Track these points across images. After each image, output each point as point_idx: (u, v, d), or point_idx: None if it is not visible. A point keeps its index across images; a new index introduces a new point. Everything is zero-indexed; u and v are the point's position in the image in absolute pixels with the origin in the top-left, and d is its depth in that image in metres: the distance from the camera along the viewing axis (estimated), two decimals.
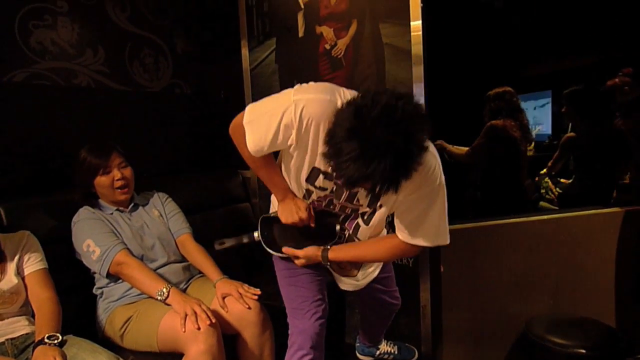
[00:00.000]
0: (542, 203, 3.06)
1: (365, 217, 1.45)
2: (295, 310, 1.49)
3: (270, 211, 1.59)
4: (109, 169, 1.65)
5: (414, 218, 1.28)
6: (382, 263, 1.61)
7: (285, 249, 1.48)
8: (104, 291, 1.64)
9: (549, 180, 3.07)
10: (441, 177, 1.22)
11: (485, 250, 2.17)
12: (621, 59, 3.90)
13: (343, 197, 1.38)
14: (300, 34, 2.22)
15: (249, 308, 1.55)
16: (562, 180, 3.04)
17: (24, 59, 1.80)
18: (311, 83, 1.22)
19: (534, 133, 4.85)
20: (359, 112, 0.95)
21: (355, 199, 1.37)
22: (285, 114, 1.16)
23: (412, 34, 1.94)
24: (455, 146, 3.01)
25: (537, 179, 3.11)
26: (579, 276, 2.21)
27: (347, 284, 1.57)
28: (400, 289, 1.81)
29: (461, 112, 3.37)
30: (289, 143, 1.22)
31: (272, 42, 2.34)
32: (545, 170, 3.10)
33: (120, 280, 1.62)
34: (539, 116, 5.09)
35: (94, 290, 1.66)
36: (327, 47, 2.14)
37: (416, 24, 1.93)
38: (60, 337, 1.30)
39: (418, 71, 1.96)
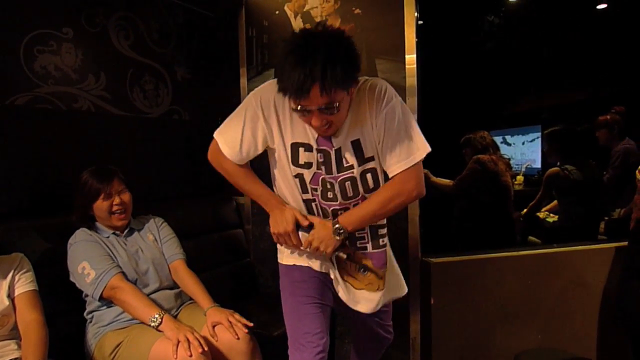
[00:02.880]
0: (530, 237, 3.11)
1: (367, 185, 1.41)
2: (297, 343, 1.47)
3: None
4: (110, 194, 1.67)
5: (394, 139, 1.33)
6: (382, 294, 1.53)
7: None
8: (94, 315, 1.63)
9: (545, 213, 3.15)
10: (396, 95, 1.34)
11: (475, 284, 2.20)
12: (609, 97, 4.05)
13: (333, 166, 1.36)
14: None
15: (238, 338, 1.55)
16: (551, 215, 3.10)
17: (28, 83, 1.83)
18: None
19: (523, 167, 4.96)
20: (292, 36, 1.18)
21: (344, 160, 1.36)
22: (248, 109, 1.34)
23: (406, 66, 2.02)
24: (439, 178, 3.09)
25: (522, 212, 3.17)
26: (568, 311, 2.23)
27: (363, 304, 1.50)
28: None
29: (452, 145, 3.45)
30: (259, 132, 1.34)
31: (270, 72, 2.41)
32: (528, 208, 3.16)
33: (112, 305, 1.61)
34: (528, 152, 5.19)
35: (84, 314, 1.65)
36: None
37: (411, 57, 2.01)
38: None
39: (412, 103, 2.03)
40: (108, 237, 1.70)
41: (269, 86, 1.34)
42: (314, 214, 1.45)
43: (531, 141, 5.14)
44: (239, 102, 2.45)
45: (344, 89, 1.18)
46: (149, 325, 1.53)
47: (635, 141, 3.00)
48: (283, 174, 1.42)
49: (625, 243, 2.07)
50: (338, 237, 1.35)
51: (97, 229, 1.70)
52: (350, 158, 1.36)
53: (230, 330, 1.55)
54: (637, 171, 1.97)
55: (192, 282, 1.76)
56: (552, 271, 2.21)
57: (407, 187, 1.36)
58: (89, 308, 1.64)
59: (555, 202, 3.10)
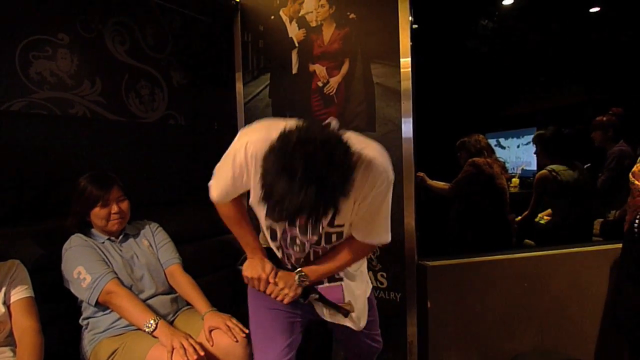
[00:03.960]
0: (526, 240, 3.12)
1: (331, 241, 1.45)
2: (258, 347, 1.49)
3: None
4: (108, 202, 1.66)
5: (369, 217, 1.33)
6: (365, 307, 1.60)
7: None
8: (90, 322, 1.62)
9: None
10: (392, 173, 1.28)
11: (472, 286, 2.20)
12: (604, 100, 4.07)
13: (308, 233, 1.38)
14: (294, 71, 2.30)
15: (236, 341, 1.55)
16: (545, 217, 3.12)
17: (23, 89, 1.82)
18: (254, 123, 1.31)
19: (518, 170, 4.98)
20: (277, 152, 1.01)
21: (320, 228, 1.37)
22: (237, 156, 1.25)
23: (401, 70, 2.02)
24: (435, 181, 3.10)
25: (518, 219, 3.18)
26: (565, 313, 2.24)
27: (347, 320, 1.54)
28: (387, 324, 1.82)
29: (447, 148, 3.47)
30: (244, 181, 1.29)
31: (266, 77, 2.42)
32: (522, 216, 3.17)
33: (108, 311, 1.61)
34: (523, 155, 5.22)
35: (80, 321, 1.64)
36: (320, 84, 2.21)
37: (405, 61, 2.02)
38: None
39: (407, 106, 2.04)
40: (103, 242, 1.69)
41: (258, 141, 1.21)
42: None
43: (526, 144, 5.16)
44: (234, 107, 2.50)
45: None
46: (144, 331, 1.52)
47: (630, 144, 3.01)
48: (257, 212, 1.41)
49: (620, 245, 2.08)
50: (300, 284, 1.42)
51: (92, 235, 1.70)
52: (324, 222, 1.36)
53: (228, 334, 1.55)
54: (630, 174, 1.99)
55: (189, 287, 1.76)
56: (549, 273, 2.22)
57: (367, 251, 1.50)
58: (84, 314, 1.63)
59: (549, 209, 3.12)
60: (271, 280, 1.41)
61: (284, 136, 1.03)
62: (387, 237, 1.39)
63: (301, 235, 1.37)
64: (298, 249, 1.42)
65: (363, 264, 1.61)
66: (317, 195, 0.97)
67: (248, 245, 1.48)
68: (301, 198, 0.97)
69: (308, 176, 0.96)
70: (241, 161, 1.25)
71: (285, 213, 1.00)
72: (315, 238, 1.38)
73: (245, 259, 1.52)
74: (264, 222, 1.42)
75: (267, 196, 1.02)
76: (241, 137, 1.27)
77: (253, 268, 1.43)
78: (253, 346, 1.52)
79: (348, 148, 1.05)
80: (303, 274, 1.42)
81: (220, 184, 1.35)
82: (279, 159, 1.00)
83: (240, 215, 1.46)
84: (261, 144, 1.18)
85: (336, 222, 1.36)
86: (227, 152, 1.31)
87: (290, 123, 1.10)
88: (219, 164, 1.35)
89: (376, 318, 1.73)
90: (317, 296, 1.47)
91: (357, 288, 1.56)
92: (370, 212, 1.31)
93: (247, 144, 1.23)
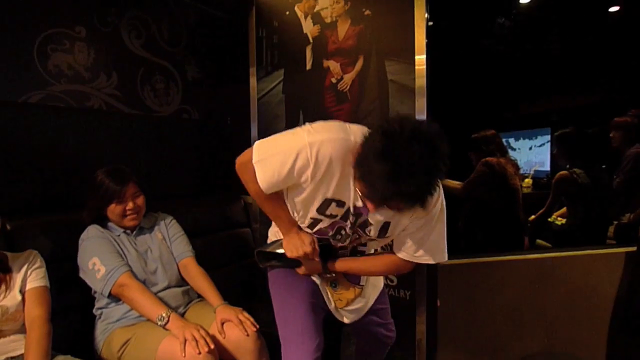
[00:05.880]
0: (538, 241, 3.10)
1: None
2: (290, 344, 1.48)
3: (269, 241, 1.60)
4: (124, 198, 1.67)
5: (418, 239, 1.33)
6: (377, 291, 1.65)
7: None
8: (103, 312, 1.65)
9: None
10: (444, 202, 1.31)
11: (482, 286, 2.19)
12: (621, 100, 4.01)
13: (357, 226, 1.38)
14: (308, 67, 2.29)
15: (247, 335, 1.56)
16: (559, 219, 3.09)
17: (41, 81, 1.86)
18: (321, 122, 1.26)
19: (532, 170, 4.93)
20: (389, 135, 1.02)
21: (367, 230, 1.38)
22: (299, 156, 1.19)
23: (416, 67, 2.01)
24: (448, 180, 3.07)
25: (532, 218, 3.15)
26: (575, 316, 2.22)
27: (347, 317, 1.59)
28: (396, 321, 1.82)
29: (461, 146, 3.44)
30: (301, 181, 1.24)
31: (280, 73, 2.42)
32: (537, 215, 3.14)
33: (121, 302, 1.63)
34: (537, 155, 5.15)
35: (93, 311, 1.67)
36: (334, 80, 2.21)
37: (420, 58, 2.00)
38: None
39: (421, 104, 2.02)
40: (119, 235, 1.71)
41: (329, 141, 1.19)
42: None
43: (540, 146, 5.09)
44: (248, 102, 2.51)
45: None
46: (156, 324, 1.54)
47: None
48: (300, 207, 1.38)
49: (634, 248, 2.06)
50: (323, 271, 1.49)
51: (109, 227, 1.72)
52: (373, 232, 1.38)
53: (239, 327, 1.57)
54: None
55: (202, 280, 1.77)
56: (560, 275, 2.21)
57: (401, 270, 1.47)
58: (97, 304, 1.66)
59: (564, 208, 3.08)
60: (316, 257, 1.42)
61: (394, 122, 1.04)
62: (439, 258, 1.38)
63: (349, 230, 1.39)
64: (339, 237, 1.43)
65: None
66: (423, 183, 1.01)
67: (281, 220, 1.43)
68: (407, 183, 0.98)
69: (419, 163, 0.98)
70: (305, 161, 1.19)
71: (385, 194, 1.02)
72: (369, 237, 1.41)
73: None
74: (307, 214, 1.38)
75: (366, 176, 1.05)
76: (304, 135, 1.21)
77: (293, 246, 1.39)
78: (281, 337, 1.51)
79: (448, 147, 1.05)
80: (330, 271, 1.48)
81: (267, 175, 1.26)
82: (389, 141, 1.01)
83: (275, 192, 1.36)
84: (332, 145, 1.18)
85: (387, 235, 1.38)
86: (283, 145, 1.24)
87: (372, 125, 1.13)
88: (267, 153, 1.26)
89: (388, 306, 1.75)
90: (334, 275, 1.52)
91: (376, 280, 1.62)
92: (420, 235, 1.32)
93: (313, 144, 1.18)
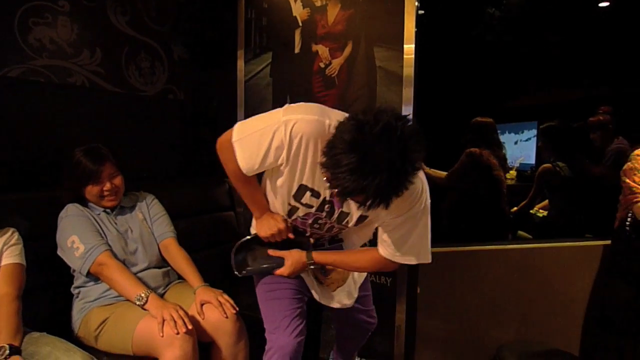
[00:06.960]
0: (520, 232, 3.14)
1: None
2: (274, 326, 1.48)
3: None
4: (100, 179, 1.64)
5: (398, 237, 1.32)
6: (361, 280, 1.66)
7: (270, 251, 1.52)
8: (81, 291, 1.63)
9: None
10: (427, 200, 1.28)
11: (462, 275, 2.22)
12: (607, 96, 4.05)
13: (334, 218, 1.41)
14: (297, 51, 2.27)
15: (226, 317, 1.56)
16: (540, 211, 3.13)
17: (21, 55, 1.81)
18: (300, 103, 1.26)
19: (517, 163, 4.97)
20: (360, 127, 0.98)
21: (345, 221, 1.41)
22: (275, 134, 1.20)
23: (404, 56, 2.00)
24: (433, 170, 3.09)
25: (514, 209, 3.19)
26: (553, 306, 2.26)
27: (339, 301, 1.59)
28: (376, 307, 1.84)
29: (447, 136, 3.46)
30: (279, 162, 1.26)
31: (268, 55, 2.39)
32: (519, 206, 3.17)
33: (99, 281, 1.62)
34: (523, 150, 5.19)
35: (71, 289, 1.66)
36: (322, 65, 2.19)
37: (409, 47, 2.00)
38: (8, 349, 1.25)
39: (408, 93, 2.02)
40: (99, 214, 1.69)
41: (304, 120, 1.19)
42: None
43: (526, 140, 5.12)
44: (235, 84, 2.48)
45: None
46: (135, 304, 1.53)
47: (628, 141, 3.00)
48: (279, 192, 1.39)
49: (609, 242, 2.10)
50: (307, 263, 1.50)
51: (89, 206, 1.70)
52: (350, 222, 1.41)
53: (219, 309, 1.57)
54: (620, 172, 2.00)
55: (183, 261, 1.76)
56: (539, 266, 2.24)
57: (385, 268, 1.44)
58: (76, 283, 1.64)
59: (547, 200, 3.12)
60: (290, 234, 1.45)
61: (369, 113, 1.00)
62: (422, 259, 1.37)
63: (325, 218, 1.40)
64: (317, 226, 1.45)
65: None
66: (384, 183, 0.96)
67: (256, 204, 1.46)
68: (369, 180, 0.95)
69: (384, 163, 0.95)
70: (280, 140, 1.20)
71: (347, 187, 0.98)
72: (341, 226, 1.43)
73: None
74: (285, 200, 1.40)
75: (331, 165, 1.01)
76: (280, 114, 1.21)
77: (267, 226, 1.44)
78: (265, 320, 1.53)
79: (423, 150, 1.02)
80: (313, 261, 1.49)
81: (246, 155, 1.27)
82: (359, 133, 0.97)
83: (253, 175, 1.38)
84: (307, 125, 1.17)
85: (364, 222, 1.40)
86: (261, 124, 1.24)
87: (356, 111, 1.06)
88: (246, 132, 1.27)
89: (370, 293, 1.76)
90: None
91: None
92: (401, 233, 1.31)
93: (288, 121, 1.18)
